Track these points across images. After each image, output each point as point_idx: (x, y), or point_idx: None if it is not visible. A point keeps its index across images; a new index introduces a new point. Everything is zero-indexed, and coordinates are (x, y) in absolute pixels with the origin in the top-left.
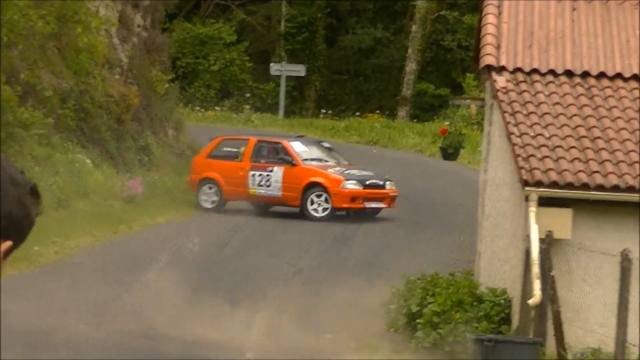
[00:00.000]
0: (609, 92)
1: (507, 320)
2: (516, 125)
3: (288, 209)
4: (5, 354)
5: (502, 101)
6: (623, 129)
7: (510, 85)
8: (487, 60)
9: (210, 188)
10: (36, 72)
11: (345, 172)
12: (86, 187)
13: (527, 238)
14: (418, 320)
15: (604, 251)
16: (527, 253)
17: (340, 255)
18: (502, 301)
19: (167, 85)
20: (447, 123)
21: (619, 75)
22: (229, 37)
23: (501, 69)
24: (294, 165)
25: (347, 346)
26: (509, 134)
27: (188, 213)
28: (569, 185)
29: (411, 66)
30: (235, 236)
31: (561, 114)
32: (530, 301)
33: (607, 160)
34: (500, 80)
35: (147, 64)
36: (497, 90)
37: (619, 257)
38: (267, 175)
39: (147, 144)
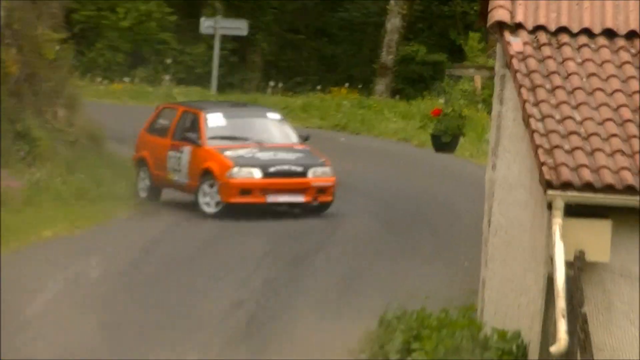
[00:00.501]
0: None
1: None
2: (536, 104)
3: None
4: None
5: (517, 71)
6: None
7: (529, 50)
8: (498, 14)
9: (144, 171)
10: None
11: (248, 154)
12: None
13: (550, 260)
14: None
15: None
16: (550, 281)
17: (295, 282)
18: (515, 348)
19: (58, 47)
20: (441, 101)
21: None
22: None
23: (517, 27)
24: (198, 145)
25: None
26: (527, 117)
27: (85, 223)
28: (609, 188)
29: (394, 22)
30: (153, 253)
31: (598, 89)
32: (553, 348)
33: None
34: (516, 43)
35: (31, 18)
36: (512, 57)
37: None
38: (179, 156)
39: (28, 129)
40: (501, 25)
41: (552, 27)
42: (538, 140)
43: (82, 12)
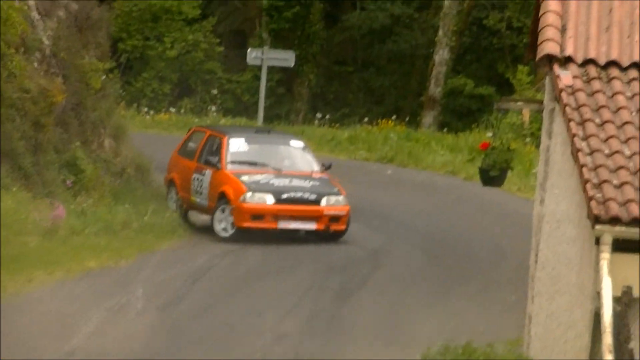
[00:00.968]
0: None
1: None
2: (585, 138)
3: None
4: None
5: (566, 105)
6: None
7: (579, 83)
8: (548, 47)
9: (173, 193)
10: None
11: (263, 180)
12: None
13: (598, 296)
14: None
15: None
16: (597, 316)
17: (339, 316)
18: None
19: (104, 77)
20: (489, 134)
21: None
22: (191, 11)
23: (567, 61)
24: (218, 169)
25: None
26: (576, 151)
27: (129, 253)
28: None
29: (442, 54)
30: (197, 285)
31: None
32: None
33: None
34: (565, 77)
35: (77, 47)
36: (561, 90)
37: None
38: (201, 179)
39: (75, 159)
40: (551, 59)
41: (602, 61)
42: (587, 174)
43: (129, 41)
